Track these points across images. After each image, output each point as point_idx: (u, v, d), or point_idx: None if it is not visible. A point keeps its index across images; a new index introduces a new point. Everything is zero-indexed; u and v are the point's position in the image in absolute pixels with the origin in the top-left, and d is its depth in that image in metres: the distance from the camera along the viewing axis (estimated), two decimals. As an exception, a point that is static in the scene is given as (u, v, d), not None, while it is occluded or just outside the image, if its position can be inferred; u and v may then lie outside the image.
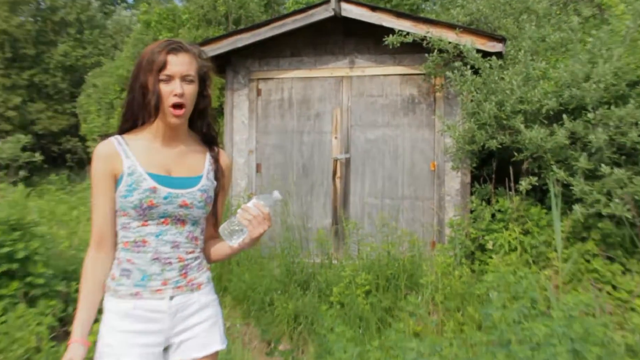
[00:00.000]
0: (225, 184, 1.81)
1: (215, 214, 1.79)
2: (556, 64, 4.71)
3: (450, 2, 7.97)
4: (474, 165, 5.17)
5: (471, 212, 4.98)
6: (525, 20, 5.51)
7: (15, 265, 3.31)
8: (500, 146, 4.69)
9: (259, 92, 6.00)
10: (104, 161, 1.64)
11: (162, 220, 1.64)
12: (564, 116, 4.27)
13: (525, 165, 4.69)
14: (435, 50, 5.03)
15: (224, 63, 6.06)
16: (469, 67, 4.85)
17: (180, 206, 1.66)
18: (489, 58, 4.85)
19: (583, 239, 4.26)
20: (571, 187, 4.16)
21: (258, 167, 5.99)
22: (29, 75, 14.94)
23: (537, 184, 4.54)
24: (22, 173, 11.63)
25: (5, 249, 3.25)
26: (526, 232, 4.51)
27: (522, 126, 4.36)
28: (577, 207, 4.05)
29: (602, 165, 3.98)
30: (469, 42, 4.89)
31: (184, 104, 1.67)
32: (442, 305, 3.94)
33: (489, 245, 4.52)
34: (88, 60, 16.11)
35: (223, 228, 1.65)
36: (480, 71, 4.80)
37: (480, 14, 6.45)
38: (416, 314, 3.75)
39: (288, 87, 5.91)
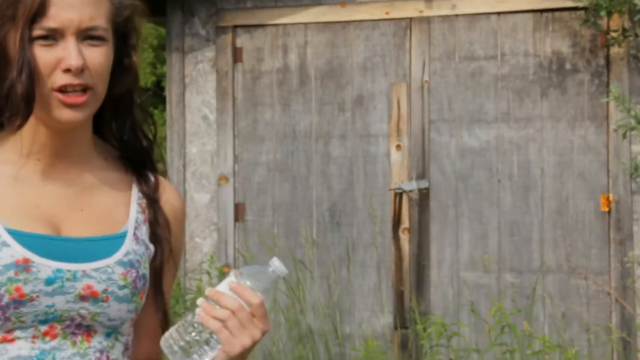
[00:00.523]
0: (175, 248, 1.86)
1: (157, 311, 1.82)
2: None
3: None
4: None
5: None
6: None
7: None
8: None
9: (237, 55, 6.18)
10: None
11: (45, 328, 1.66)
12: None
13: None
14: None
15: (163, -5, 6.21)
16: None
17: (82, 298, 1.67)
18: None
19: None
20: None
21: (238, 211, 6.15)
22: None
23: None
24: None
25: None
26: None
27: None
28: None
29: None
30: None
31: (88, 85, 1.66)
32: None
33: None
34: None
35: (168, 340, 1.69)
36: None
37: None
38: None
39: (297, 42, 6.07)
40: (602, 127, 5.63)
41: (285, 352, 5.64)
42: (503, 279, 5.70)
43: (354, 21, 5.94)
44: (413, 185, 5.80)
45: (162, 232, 1.83)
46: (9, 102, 1.68)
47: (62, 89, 1.68)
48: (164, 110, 12.19)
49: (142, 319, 1.84)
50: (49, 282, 1.67)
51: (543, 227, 5.65)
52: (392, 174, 5.88)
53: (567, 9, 5.61)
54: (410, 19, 5.86)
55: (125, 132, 1.82)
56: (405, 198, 5.83)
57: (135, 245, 1.78)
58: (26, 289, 1.65)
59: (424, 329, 5.42)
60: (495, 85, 5.76)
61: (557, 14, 5.65)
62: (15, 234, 1.68)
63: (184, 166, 6.23)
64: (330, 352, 5.63)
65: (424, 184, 5.80)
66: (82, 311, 1.70)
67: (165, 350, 1.74)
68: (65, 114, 1.69)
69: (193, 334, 1.70)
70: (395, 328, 5.81)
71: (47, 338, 1.69)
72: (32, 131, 1.72)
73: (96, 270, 1.71)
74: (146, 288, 1.78)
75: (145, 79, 11.53)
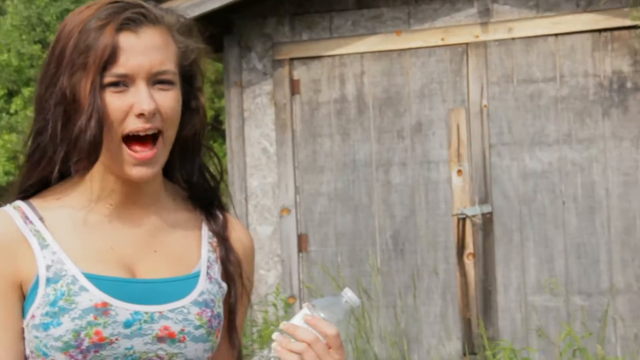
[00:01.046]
0: (247, 285, 1.82)
1: (231, 348, 1.79)
2: None
3: None
4: None
5: None
6: None
7: None
8: None
9: (294, 87, 6.20)
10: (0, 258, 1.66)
11: None
12: None
13: None
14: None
15: (220, 31, 6.24)
16: None
17: (159, 339, 1.67)
18: None
19: None
20: None
21: (301, 242, 6.15)
22: None
23: None
24: None
25: None
26: None
27: None
28: None
29: None
30: None
31: (159, 129, 1.66)
32: None
33: None
34: None
35: None
36: None
37: None
38: None
39: (354, 72, 6.07)
40: (667, 145, 5.58)
41: (353, 381, 5.59)
42: (572, 302, 5.65)
43: (409, 49, 5.95)
44: (476, 210, 5.79)
45: (234, 269, 1.80)
46: (76, 147, 1.69)
47: (133, 139, 1.68)
48: (222, 143, 12.23)
49: (216, 357, 1.82)
50: (127, 324, 1.67)
51: (610, 247, 5.60)
52: (454, 199, 5.86)
53: (626, 27, 5.59)
54: (467, 44, 5.86)
55: (194, 173, 1.81)
56: (468, 223, 5.82)
57: (208, 285, 1.76)
58: (105, 333, 1.65)
59: (494, 355, 5.37)
60: (555, 107, 5.74)
61: (615, 33, 5.63)
62: (93, 278, 1.68)
63: (246, 199, 6.24)
64: (399, 381, 5.58)
65: (487, 209, 5.78)
66: (160, 352, 1.70)
67: None
68: (135, 171, 1.69)
69: None
70: (464, 354, 5.78)
71: None
72: (101, 177, 1.72)
73: (172, 311, 1.71)
74: (221, 327, 1.76)
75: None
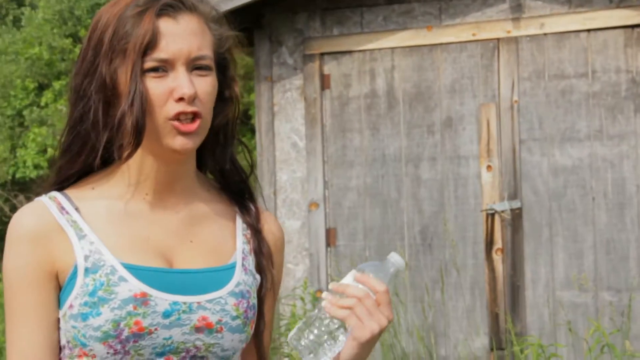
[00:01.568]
0: (276, 277, 1.88)
1: (258, 344, 1.84)
2: None
3: None
4: None
5: None
6: None
7: None
8: None
9: (325, 82, 6.20)
10: (32, 247, 1.66)
11: None
12: None
13: None
14: None
15: (251, 25, 6.26)
16: None
17: (197, 329, 1.69)
18: None
19: None
20: None
21: (330, 237, 6.17)
22: None
23: None
24: None
25: None
26: None
27: None
28: None
29: None
30: None
31: (199, 112, 1.69)
32: None
33: None
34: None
35: (293, 337, 1.71)
36: None
37: None
38: None
39: (384, 67, 6.09)
40: (698, 141, 5.56)
41: (381, 375, 5.58)
42: (600, 298, 5.64)
43: (440, 44, 5.96)
44: (505, 206, 5.77)
45: (266, 262, 1.84)
46: (119, 133, 1.70)
47: (176, 118, 1.69)
48: (251, 138, 12.23)
49: (247, 352, 1.86)
50: (166, 315, 1.69)
51: (640, 244, 5.57)
52: (483, 195, 5.86)
53: (660, 23, 5.59)
54: (498, 39, 5.86)
55: (226, 162, 1.83)
56: (497, 219, 5.81)
57: (244, 276, 1.78)
58: (145, 323, 1.66)
59: (521, 351, 5.34)
60: (586, 103, 5.74)
61: (650, 28, 5.63)
62: (132, 269, 1.69)
63: (275, 193, 6.26)
64: (427, 375, 5.58)
65: (516, 204, 5.77)
66: (198, 342, 1.71)
67: (293, 346, 1.75)
68: (179, 142, 1.70)
69: (321, 328, 1.72)
70: (492, 349, 5.77)
71: None
72: (139, 164, 1.73)
73: (210, 301, 1.72)
74: (255, 318, 1.79)
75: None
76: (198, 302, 1.71)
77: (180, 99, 1.68)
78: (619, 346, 5.33)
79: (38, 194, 1.76)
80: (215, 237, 1.81)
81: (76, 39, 14.96)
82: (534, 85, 5.80)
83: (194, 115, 1.71)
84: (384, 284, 1.74)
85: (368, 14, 6.08)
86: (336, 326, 1.73)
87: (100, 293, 1.66)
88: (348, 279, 1.74)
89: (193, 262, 1.76)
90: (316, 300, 6.04)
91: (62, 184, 1.77)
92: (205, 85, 1.72)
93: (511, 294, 5.79)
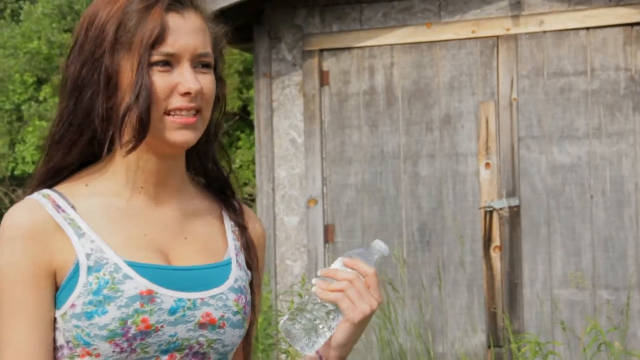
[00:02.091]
0: (260, 273, 1.93)
1: (248, 339, 1.88)
2: None
3: None
4: None
5: None
6: None
7: None
8: None
9: (324, 78, 6.20)
10: (28, 245, 1.64)
11: (166, 357, 1.69)
12: None
13: None
14: None
15: (251, 21, 6.27)
16: None
17: (201, 326, 1.72)
18: None
19: None
20: None
21: (328, 233, 6.17)
22: None
23: None
24: None
25: None
26: None
27: None
28: None
29: None
30: None
31: (200, 108, 1.73)
32: None
33: None
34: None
35: (285, 324, 1.75)
36: None
37: None
38: None
39: (383, 64, 6.09)
40: (696, 140, 5.53)
41: (378, 372, 5.57)
42: (598, 296, 5.63)
43: (440, 41, 5.94)
44: (503, 203, 5.77)
45: (254, 258, 1.87)
46: (123, 126, 1.70)
47: (174, 112, 1.70)
48: (250, 134, 12.25)
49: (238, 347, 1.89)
50: (171, 311, 1.69)
51: (638, 242, 5.56)
52: (481, 192, 5.85)
53: (659, 21, 5.57)
54: (497, 36, 5.85)
55: (209, 161, 1.85)
56: (495, 216, 5.80)
57: (240, 272, 1.80)
58: (152, 320, 1.67)
59: (518, 348, 5.35)
60: (585, 101, 5.72)
61: (649, 27, 5.60)
62: (135, 266, 1.69)
63: (273, 189, 6.24)
64: (424, 373, 5.56)
65: (514, 202, 5.76)
66: (201, 339, 1.72)
67: (284, 334, 1.77)
68: (179, 135, 1.71)
69: (312, 312, 1.75)
70: (489, 347, 5.78)
71: None
72: (134, 159, 1.73)
73: (212, 297, 1.74)
74: (250, 313, 1.82)
75: (232, 103, 11.64)
76: (202, 299, 1.72)
77: (186, 94, 1.69)
78: (617, 344, 5.33)
79: (30, 191, 1.74)
80: (207, 234, 1.82)
81: (75, 33, 15.03)
82: (532, 82, 5.79)
83: (196, 111, 1.72)
84: (372, 267, 1.76)
85: (367, 11, 6.06)
86: (327, 310, 1.75)
87: (105, 291, 1.65)
88: (337, 265, 1.77)
89: (189, 259, 1.77)
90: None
91: (53, 179, 1.76)
92: (209, 82, 1.74)
93: (509, 292, 5.79)
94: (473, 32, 5.85)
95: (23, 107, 14.85)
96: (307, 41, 6.17)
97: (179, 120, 1.70)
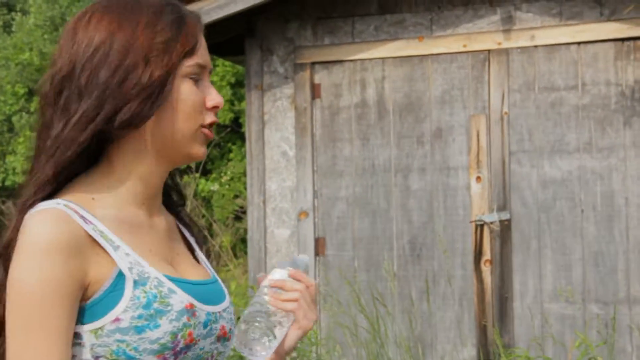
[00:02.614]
0: None
1: None
2: None
3: None
4: None
5: None
6: None
7: None
8: None
9: (315, 91, 6.22)
10: (62, 259, 1.57)
11: None
12: None
13: None
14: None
15: (243, 33, 6.29)
16: None
17: (218, 339, 1.77)
18: None
19: None
20: None
21: (319, 246, 6.20)
22: None
23: None
24: None
25: None
26: None
27: None
28: None
29: None
30: None
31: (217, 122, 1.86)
32: None
33: None
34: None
35: (240, 333, 1.79)
36: None
37: None
38: None
39: (375, 77, 6.10)
40: (687, 155, 5.52)
41: (368, 386, 5.54)
42: (588, 310, 5.62)
43: (431, 55, 5.94)
44: (494, 217, 5.76)
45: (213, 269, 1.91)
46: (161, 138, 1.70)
47: (209, 126, 1.74)
48: (241, 146, 12.22)
49: None
50: (205, 325, 1.71)
51: (628, 257, 5.54)
52: (472, 206, 5.83)
53: (651, 37, 5.58)
54: (489, 51, 5.84)
55: (174, 175, 1.89)
56: (486, 230, 5.79)
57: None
58: (195, 334, 1.68)
59: (508, 362, 5.32)
60: (576, 115, 5.71)
61: (639, 42, 5.60)
62: (174, 280, 1.70)
63: (264, 202, 6.21)
64: (414, 386, 5.52)
65: (505, 216, 5.74)
66: (215, 352, 1.75)
67: (238, 344, 1.80)
68: (203, 149, 1.75)
69: (263, 323, 1.78)
70: (479, 359, 5.74)
71: None
72: (149, 171, 1.71)
73: (224, 311, 1.77)
74: None
75: (224, 116, 11.58)
76: (219, 312, 1.75)
77: (214, 108, 1.73)
78: (606, 359, 5.32)
79: (31, 201, 1.67)
80: (185, 250, 1.84)
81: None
82: (524, 97, 5.78)
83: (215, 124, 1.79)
84: (312, 279, 1.84)
85: (359, 24, 6.05)
86: (277, 319, 1.78)
87: (155, 305, 1.63)
88: (279, 275, 1.80)
89: (192, 274, 1.78)
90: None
91: (49, 190, 1.69)
92: None
93: (499, 306, 5.77)
94: (464, 46, 5.84)
95: (14, 118, 14.79)
96: (299, 54, 6.16)
97: (210, 134, 1.73)
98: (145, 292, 1.63)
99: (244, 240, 11.17)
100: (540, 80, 5.75)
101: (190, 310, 1.67)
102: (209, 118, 1.74)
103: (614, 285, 5.55)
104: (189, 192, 10.47)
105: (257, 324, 1.79)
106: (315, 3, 6.12)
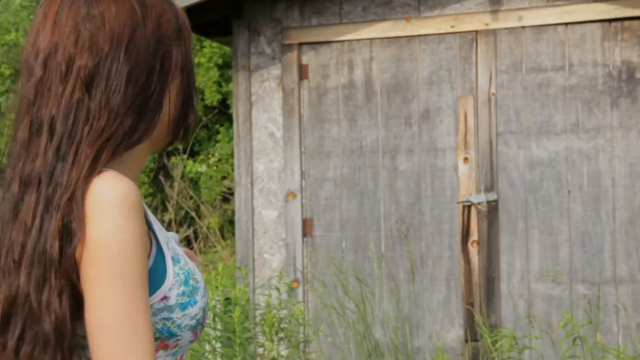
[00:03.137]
0: None
1: None
2: None
3: None
4: None
5: None
6: None
7: None
8: None
9: (303, 72, 6.19)
10: (141, 218, 1.54)
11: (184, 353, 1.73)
12: None
13: None
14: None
15: (230, 14, 6.25)
16: None
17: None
18: None
19: None
20: None
21: (306, 227, 6.16)
22: None
23: None
24: None
25: None
26: None
27: None
28: None
29: None
30: None
31: None
32: None
33: None
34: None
35: None
36: None
37: None
38: None
39: (363, 58, 6.08)
40: (673, 136, 5.49)
41: (356, 366, 5.55)
42: (575, 291, 5.61)
43: (419, 35, 5.89)
44: (482, 198, 5.73)
45: None
46: (182, 122, 1.71)
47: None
48: (229, 127, 12.16)
49: None
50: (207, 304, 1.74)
51: (615, 237, 5.54)
52: (459, 187, 5.81)
53: (637, 18, 5.52)
54: (476, 31, 5.80)
55: None
56: (473, 211, 5.77)
57: None
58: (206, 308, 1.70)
59: (495, 342, 5.34)
60: (563, 96, 5.68)
61: (626, 23, 5.56)
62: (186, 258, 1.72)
63: (252, 183, 6.18)
64: (401, 367, 5.54)
65: (492, 197, 5.72)
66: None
67: None
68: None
69: None
70: (466, 341, 5.75)
71: None
72: (144, 156, 1.71)
73: None
74: None
75: (211, 97, 11.48)
76: None
77: None
78: (592, 339, 5.31)
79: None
80: None
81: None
82: (511, 78, 5.76)
83: None
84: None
85: (347, 5, 6.00)
86: None
87: (191, 282, 1.63)
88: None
89: None
90: (292, 291, 5.99)
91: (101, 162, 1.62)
92: None
93: (486, 286, 5.76)
94: (452, 27, 5.80)
95: (0, 100, 14.69)
96: (286, 35, 6.11)
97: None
98: (181, 269, 1.62)
99: (231, 222, 11.14)
100: (527, 61, 5.72)
101: (206, 287, 1.69)
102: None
103: (600, 266, 5.55)
104: (176, 173, 10.43)
105: None
106: (303, -17, 6.08)
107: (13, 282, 1.48)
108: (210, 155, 11.94)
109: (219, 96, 11.56)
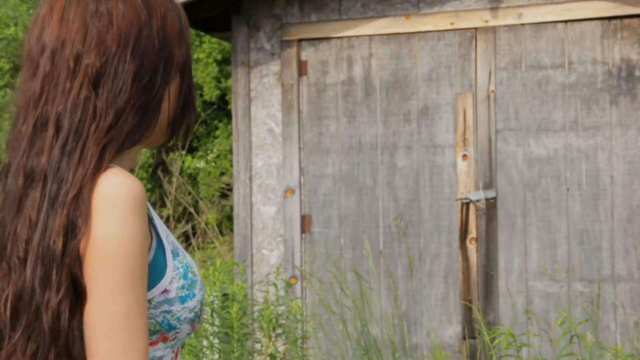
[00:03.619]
0: None
1: None
2: None
3: None
4: None
5: None
6: None
7: None
8: None
9: (302, 68, 6.18)
10: (143, 216, 1.54)
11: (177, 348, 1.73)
12: None
13: None
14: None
15: (230, 10, 6.23)
16: None
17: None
18: None
19: None
20: None
21: (305, 223, 6.16)
22: None
23: None
24: None
25: None
26: None
27: None
28: None
29: None
30: None
31: None
32: None
33: None
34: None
35: None
36: None
37: None
38: None
39: (362, 55, 6.06)
40: (672, 134, 5.49)
41: (353, 363, 5.54)
42: (573, 288, 5.61)
43: (418, 32, 5.88)
44: (480, 195, 5.73)
45: None
46: (174, 122, 1.71)
47: None
48: (228, 123, 12.15)
49: None
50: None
51: (613, 235, 5.53)
52: (458, 184, 5.80)
53: (636, 15, 5.52)
54: (476, 28, 5.79)
55: None
56: (472, 208, 5.76)
57: None
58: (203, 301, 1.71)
59: (492, 339, 5.31)
60: (562, 94, 5.67)
61: (625, 21, 5.55)
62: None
63: (250, 179, 6.17)
64: (399, 363, 5.52)
65: (491, 194, 5.71)
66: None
67: None
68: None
69: None
70: (464, 338, 5.75)
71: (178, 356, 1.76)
72: (137, 153, 1.71)
73: None
74: None
75: (210, 93, 11.47)
76: None
77: None
78: (590, 336, 5.31)
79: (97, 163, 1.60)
80: None
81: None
82: (510, 75, 5.74)
83: None
84: None
85: (346, 1, 5.98)
86: None
87: (190, 275, 1.63)
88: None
89: None
90: (289, 287, 5.98)
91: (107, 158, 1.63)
92: None
93: (484, 283, 5.76)
94: (452, 23, 5.79)
95: (-1, 94, 14.70)
96: (285, 31, 6.10)
97: None
98: (180, 262, 1.62)
99: (230, 218, 11.13)
100: (527, 58, 5.71)
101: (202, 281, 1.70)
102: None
103: (598, 263, 5.54)
104: (175, 169, 10.42)
105: None
106: (303, -21, 6.07)
107: (19, 278, 1.48)
108: (208, 151, 11.93)
109: (217, 92, 11.55)
